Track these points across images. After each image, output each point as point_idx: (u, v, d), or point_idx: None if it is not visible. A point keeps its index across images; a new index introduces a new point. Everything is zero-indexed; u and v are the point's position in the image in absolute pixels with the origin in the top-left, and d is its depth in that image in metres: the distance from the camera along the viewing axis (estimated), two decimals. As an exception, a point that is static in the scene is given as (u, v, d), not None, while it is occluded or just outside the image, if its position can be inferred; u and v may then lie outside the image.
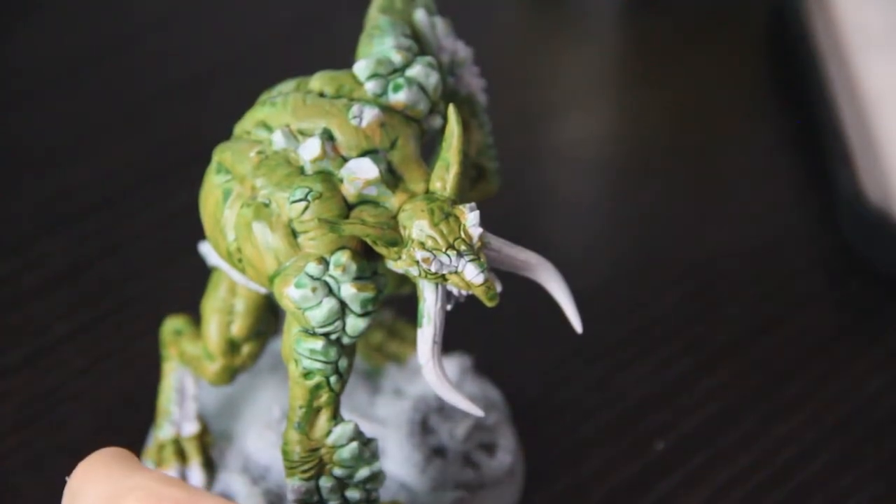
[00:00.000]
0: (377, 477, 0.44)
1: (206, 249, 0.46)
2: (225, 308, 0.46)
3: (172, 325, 0.48)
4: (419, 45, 0.44)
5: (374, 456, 0.43)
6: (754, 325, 0.56)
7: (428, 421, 0.50)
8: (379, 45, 0.43)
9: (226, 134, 0.44)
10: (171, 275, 0.57)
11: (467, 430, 0.50)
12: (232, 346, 0.46)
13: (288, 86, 0.43)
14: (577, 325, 0.43)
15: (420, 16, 0.45)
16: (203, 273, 0.48)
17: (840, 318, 0.57)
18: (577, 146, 0.65)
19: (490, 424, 0.50)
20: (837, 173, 0.58)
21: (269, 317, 0.46)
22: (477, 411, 0.42)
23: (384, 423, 0.49)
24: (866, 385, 0.54)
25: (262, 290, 0.45)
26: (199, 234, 0.46)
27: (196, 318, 0.48)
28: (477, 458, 0.49)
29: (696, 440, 0.52)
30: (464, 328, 0.48)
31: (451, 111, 0.41)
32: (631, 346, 0.55)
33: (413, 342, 0.51)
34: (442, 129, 0.43)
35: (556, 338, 0.55)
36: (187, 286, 0.55)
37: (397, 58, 0.43)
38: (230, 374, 0.47)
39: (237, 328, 0.46)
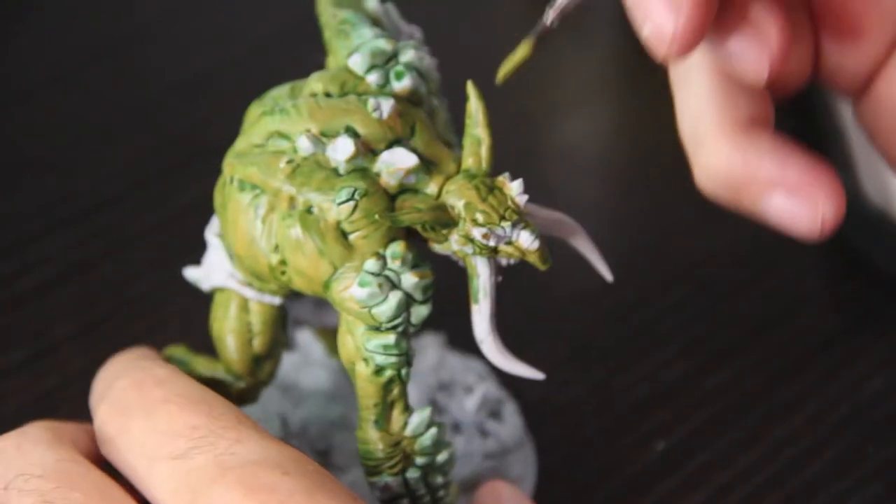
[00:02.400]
0: (453, 459, 0.44)
1: (197, 274, 0.46)
2: (241, 327, 0.45)
3: (172, 356, 0.47)
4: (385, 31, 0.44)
5: (448, 439, 0.44)
6: (754, 325, 0.56)
7: (436, 400, 0.50)
8: (359, 38, 0.43)
9: (226, 135, 0.44)
10: (171, 276, 0.57)
11: (477, 402, 0.50)
12: (256, 363, 0.46)
13: (282, 91, 0.43)
14: (606, 275, 0.44)
15: (372, 4, 0.45)
16: (203, 273, 0.48)
17: (840, 318, 0.57)
18: (577, 146, 0.65)
19: (492, 395, 0.51)
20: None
21: (282, 328, 0.46)
22: (539, 375, 0.43)
23: None
24: (866, 385, 0.54)
25: (276, 302, 0.45)
26: (200, 235, 0.46)
27: (196, 321, 0.47)
28: (490, 428, 0.50)
29: (697, 440, 0.52)
30: (464, 328, 0.48)
31: (471, 88, 0.41)
32: (631, 347, 0.55)
33: None
34: (438, 110, 0.43)
35: (557, 339, 0.55)
36: (187, 287, 0.55)
37: (387, 46, 0.43)
38: (258, 391, 0.46)
39: (258, 344, 0.45)
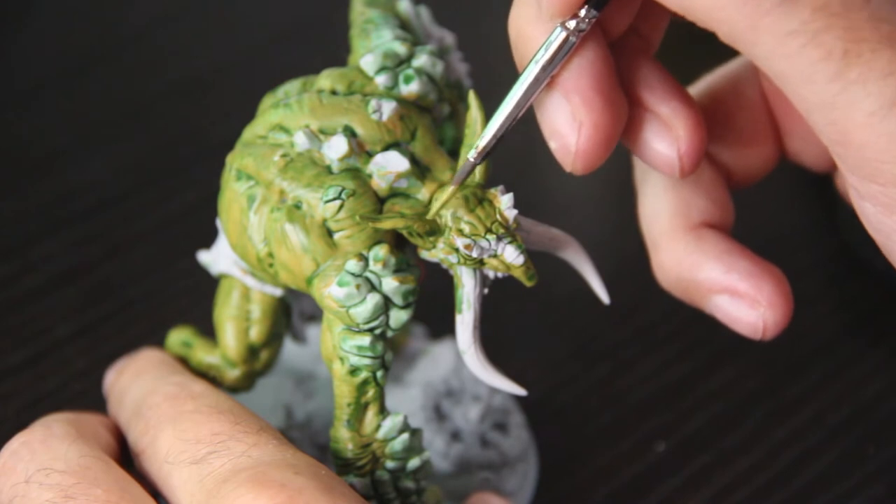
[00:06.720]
0: (426, 466, 0.44)
1: (207, 258, 0.46)
2: (241, 315, 0.45)
3: (179, 337, 0.47)
4: (411, 34, 0.44)
5: (422, 446, 0.44)
6: (755, 326, 0.56)
7: (440, 406, 0.50)
8: (378, 39, 0.43)
9: (227, 135, 0.44)
10: (172, 276, 0.57)
11: (481, 412, 0.50)
12: (252, 352, 0.46)
13: (293, 86, 0.43)
14: (604, 297, 0.44)
15: (405, 6, 0.45)
16: (204, 274, 0.48)
17: (840, 319, 0.57)
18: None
19: (499, 405, 0.50)
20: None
21: (283, 319, 0.46)
22: (521, 391, 0.43)
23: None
24: (867, 386, 0.54)
25: (277, 293, 0.45)
26: (201, 235, 0.46)
27: (197, 321, 0.48)
28: (493, 439, 0.50)
29: (698, 441, 0.52)
30: (484, 335, 0.48)
31: (473, 98, 0.41)
32: (632, 348, 0.55)
33: (407, 330, 0.52)
34: (448, 117, 0.43)
35: (557, 339, 0.55)
36: (188, 288, 0.55)
37: (402, 49, 0.43)
38: (251, 380, 0.46)
39: (256, 333, 0.46)
